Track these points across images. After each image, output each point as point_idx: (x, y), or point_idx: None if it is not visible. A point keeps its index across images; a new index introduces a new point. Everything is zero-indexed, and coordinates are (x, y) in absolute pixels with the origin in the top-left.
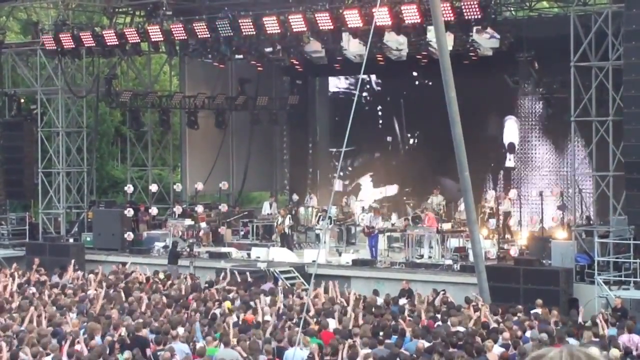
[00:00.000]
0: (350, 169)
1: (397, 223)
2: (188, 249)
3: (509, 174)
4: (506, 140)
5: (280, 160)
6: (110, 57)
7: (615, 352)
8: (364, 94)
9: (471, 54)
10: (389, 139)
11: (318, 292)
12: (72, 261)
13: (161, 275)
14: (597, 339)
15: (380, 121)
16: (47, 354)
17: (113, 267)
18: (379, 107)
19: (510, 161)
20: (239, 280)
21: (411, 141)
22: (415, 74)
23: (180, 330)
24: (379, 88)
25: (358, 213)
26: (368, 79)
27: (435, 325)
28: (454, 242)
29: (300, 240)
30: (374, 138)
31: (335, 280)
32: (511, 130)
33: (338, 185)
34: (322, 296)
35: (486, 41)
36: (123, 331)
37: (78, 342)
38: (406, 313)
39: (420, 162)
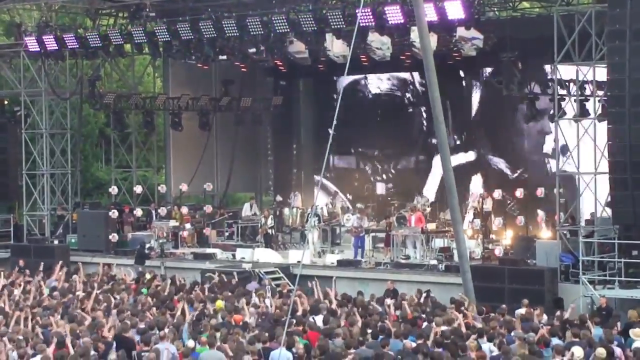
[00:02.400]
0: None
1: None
2: (159, 250)
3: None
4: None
5: (265, 161)
6: (93, 59)
7: (601, 350)
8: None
9: (455, 54)
10: None
11: (302, 292)
12: (60, 262)
13: (147, 276)
14: (578, 339)
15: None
16: (34, 355)
17: (98, 269)
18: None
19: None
20: (219, 281)
21: None
22: None
23: (166, 330)
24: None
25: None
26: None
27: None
28: (438, 242)
29: (285, 240)
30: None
31: (318, 280)
32: None
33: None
34: (305, 298)
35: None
36: (107, 332)
37: (64, 343)
38: (392, 312)
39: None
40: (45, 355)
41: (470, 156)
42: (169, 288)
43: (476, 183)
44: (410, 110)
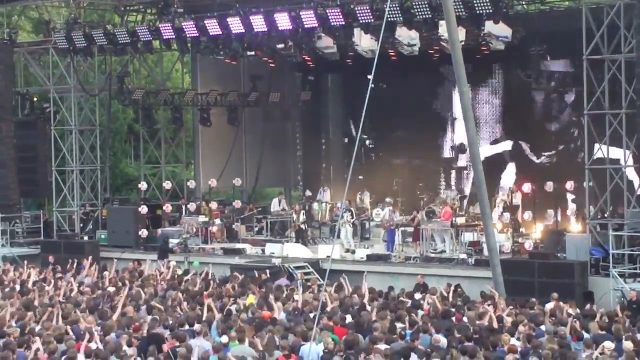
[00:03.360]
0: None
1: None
2: (182, 245)
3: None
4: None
5: (293, 156)
6: (122, 55)
7: (628, 344)
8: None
9: (483, 48)
10: None
11: (332, 288)
12: (89, 258)
13: (179, 272)
14: (604, 332)
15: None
16: (64, 351)
17: (129, 265)
18: None
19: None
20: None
21: None
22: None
23: (197, 326)
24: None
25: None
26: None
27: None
28: (468, 236)
29: (314, 235)
30: None
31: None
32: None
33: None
34: (333, 294)
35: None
36: (138, 328)
37: (93, 339)
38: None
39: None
40: (74, 351)
41: (499, 148)
42: (199, 283)
43: (506, 177)
44: (439, 103)
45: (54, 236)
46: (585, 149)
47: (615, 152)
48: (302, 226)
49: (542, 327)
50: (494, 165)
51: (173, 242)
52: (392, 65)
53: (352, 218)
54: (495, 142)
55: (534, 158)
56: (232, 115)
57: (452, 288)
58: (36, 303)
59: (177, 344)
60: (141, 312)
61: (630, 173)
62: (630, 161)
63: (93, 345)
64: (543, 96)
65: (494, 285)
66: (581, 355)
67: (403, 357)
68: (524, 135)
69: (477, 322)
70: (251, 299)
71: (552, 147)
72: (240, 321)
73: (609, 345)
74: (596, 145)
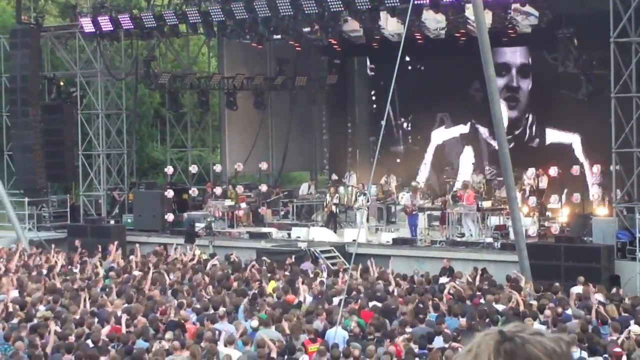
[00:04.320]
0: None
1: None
2: (207, 229)
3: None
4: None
5: (320, 140)
6: (148, 39)
7: (636, 328)
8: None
9: (510, 31)
10: None
11: (357, 272)
12: (115, 242)
13: (204, 256)
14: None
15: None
16: (90, 334)
17: (156, 248)
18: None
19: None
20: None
21: None
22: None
23: (222, 310)
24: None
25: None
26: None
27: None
28: (494, 220)
29: (340, 219)
30: None
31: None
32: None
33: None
34: (358, 278)
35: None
36: (163, 311)
37: (120, 323)
38: (447, 291)
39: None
40: (98, 334)
41: (523, 132)
42: (226, 267)
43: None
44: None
45: (80, 220)
46: (612, 132)
47: None
48: (334, 209)
49: (568, 311)
50: (517, 148)
51: (199, 225)
52: (427, 48)
53: (368, 202)
54: (519, 125)
55: (557, 142)
56: (259, 99)
57: (480, 272)
58: (63, 287)
59: (203, 328)
60: (167, 296)
61: None
62: None
63: (120, 328)
64: (570, 78)
65: (520, 269)
66: (607, 339)
67: (429, 341)
68: (550, 118)
69: (499, 306)
70: (273, 284)
71: (578, 130)
72: (266, 305)
73: (635, 329)
74: (623, 129)
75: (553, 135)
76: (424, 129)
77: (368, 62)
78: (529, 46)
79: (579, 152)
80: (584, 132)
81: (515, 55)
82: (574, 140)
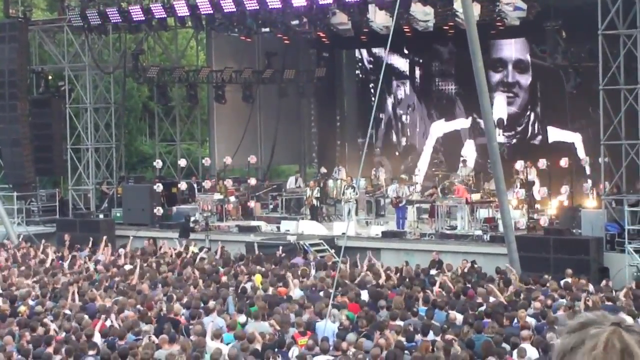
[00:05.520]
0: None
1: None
2: (204, 223)
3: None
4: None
5: (308, 133)
6: (136, 33)
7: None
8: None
9: (498, 23)
10: None
11: (346, 265)
12: (105, 237)
13: (195, 249)
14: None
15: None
16: (80, 329)
17: (145, 243)
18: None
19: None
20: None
21: None
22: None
23: (212, 304)
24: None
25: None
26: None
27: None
28: (483, 213)
29: (329, 212)
30: None
31: (367, 252)
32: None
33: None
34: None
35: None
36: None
37: (109, 317)
38: (437, 284)
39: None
40: (91, 329)
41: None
42: (216, 261)
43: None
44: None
45: (69, 214)
46: (600, 125)
47: (631, 127)
48: (315, 202)
49: (558, 303)
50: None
51: (194, 219)
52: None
53: (357, 195)
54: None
55: (548, 135)
56: (247, 92)
57: (469, 264)
58: (52, 281)
59: (192, 321)
60: (157, 290)
61: None
62: None
63: (109, 323)
64: (558, 71)
65: (509, 261)
66: None
67: (418, 333)
68: (538, 110)
69: (489, 298)
70: (259, 279)
71: (566, 122)
72: (256, 298)
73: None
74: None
75: (555, 133)
76: (423, 122)
77: (366, 54)
78: (525, 39)
79: (579, 147)
80: (579, 127)
81: (511, 49)
82: (575, 137)
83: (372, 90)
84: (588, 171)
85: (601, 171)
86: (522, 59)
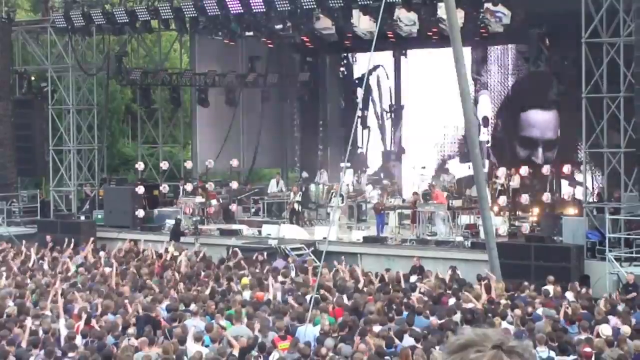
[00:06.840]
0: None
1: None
2: (193, 227)
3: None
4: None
5: (291, 137)
6: (120, 35)
7: (626, 329)
8: None
9: (482, 30)
10: None
11: (326, 270)
12: (91, 239)
13: (175, 253)
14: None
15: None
16: (59, 332)
17: (125, 245)
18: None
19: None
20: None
21: None
22: None
23: (193, 307)
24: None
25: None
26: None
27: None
28: (464, 219)
29: (311, 217)
30: None
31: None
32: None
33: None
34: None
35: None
36: (133, 308)
37: (90, 319)
38: (417, 290)
39: None
40: (73, 332)
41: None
42: (197, 264)
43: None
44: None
45: (50, 216)
46: (583, 133)
47: (613, 135)
48: (296, 206)
49: (539, 311)
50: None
51: (169, 222)
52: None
53: (343, 203)
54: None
55: (529, 142)
56: (230, 95)
57: (450, 271)
58: (33, 283)
59: (173, 324)
60: (137, 292)
61: (628, 156)
62: (628, 144)
63: (90, 324)
64: (541, 78)
65: (490, 268)
66: (575, 339)
67: (398, 338)
68: (522, 118)
69: (469, 305)
70: (245, 281)
71: (549, 130)
72: (236, 302)
73: (605, 329)
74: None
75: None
76: (407, 127)
77: (350, 59)
78: (500, 45)
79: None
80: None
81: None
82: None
83: (355, 95)
84: (570, 179)
85: (583, 179)
86: (507, 64)
